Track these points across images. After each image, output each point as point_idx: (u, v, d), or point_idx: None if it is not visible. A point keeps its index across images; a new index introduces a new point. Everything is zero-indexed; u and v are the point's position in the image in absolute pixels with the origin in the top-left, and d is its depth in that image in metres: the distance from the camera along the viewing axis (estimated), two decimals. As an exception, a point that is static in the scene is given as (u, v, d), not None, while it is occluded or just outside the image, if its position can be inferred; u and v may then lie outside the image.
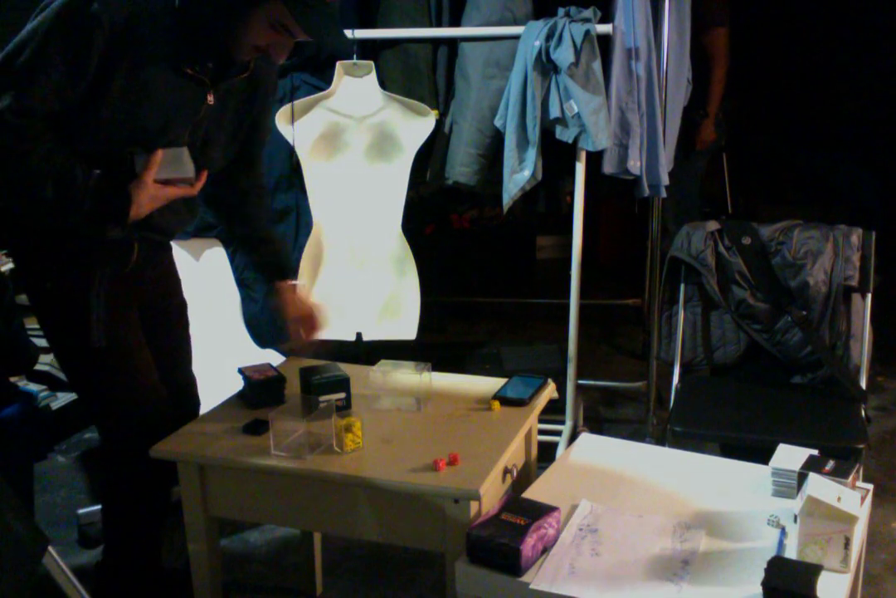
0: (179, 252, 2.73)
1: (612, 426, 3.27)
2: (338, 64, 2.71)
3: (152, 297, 2.04)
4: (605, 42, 2.60)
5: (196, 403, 2.17)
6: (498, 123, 2.68)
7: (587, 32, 2.47)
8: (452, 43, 2.78)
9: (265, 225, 2.16)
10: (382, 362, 2.02)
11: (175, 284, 2.14)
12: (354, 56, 2.72)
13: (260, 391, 1.94)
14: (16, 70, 1.61)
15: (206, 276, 2.80)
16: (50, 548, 1.61)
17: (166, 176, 1.79)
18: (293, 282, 2.16)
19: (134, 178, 1.75)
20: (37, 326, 1.98)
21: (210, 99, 1.81)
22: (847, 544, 1.45)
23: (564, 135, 2.59)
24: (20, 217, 1.82)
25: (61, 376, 2.86)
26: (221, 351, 2.70)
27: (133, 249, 1.91)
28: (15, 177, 1.68)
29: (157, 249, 2.02)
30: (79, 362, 1.93)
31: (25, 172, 1.67)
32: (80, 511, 2.53)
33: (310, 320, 2.13)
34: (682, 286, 2.60)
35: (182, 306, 2.15)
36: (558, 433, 2.80)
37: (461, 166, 2.77)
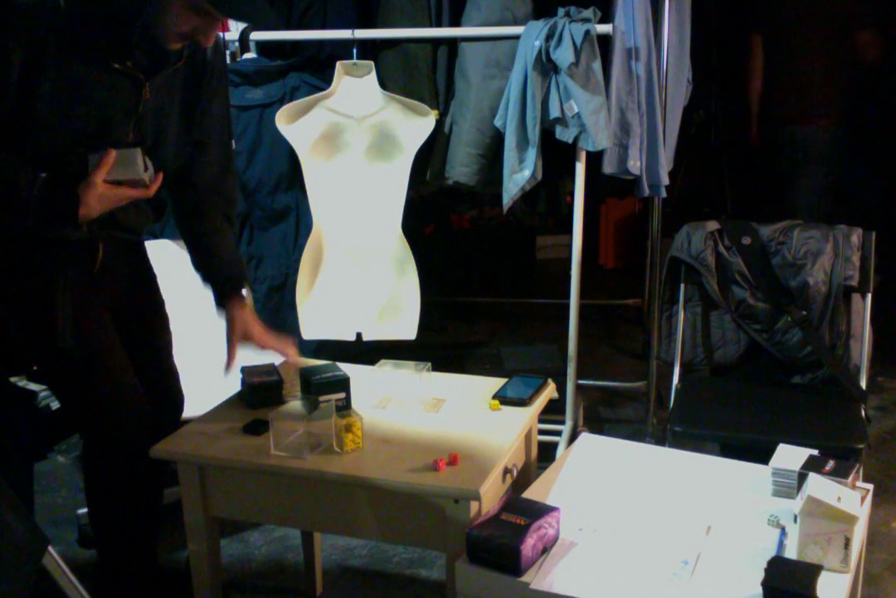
0: (176, 252, 2.73)
1: (612, 426, 3.27)
2: (338, 64, 2.71)
3: (125, 296, 2.01)
4: (605, 42, 2.60)
5: (179, 399, 2.16)
6: (498, 123, 2.68)
7: (587, 32, 2.47)
8: (452, 43, 2.78)
9: (219, 227, 2.09)
10: (382, 362, 2.02)
11: (149, 282, 2.12)
12: (354, 56, 2.72)
13: (256, 394, 1.95)
14: None
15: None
16: (50, 548, 1.61)
17: (117, 177, 1.76)
18: (243, 294, 2.10)
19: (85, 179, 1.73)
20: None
21: (146, 93, 1.77)
22: (847, 544, 1.45)
23: (564, 135, 2.59)
24: None
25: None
26: (221, 351, 2.69)
27: (98, 248, 1.88)
28: None
29: (127, 247, 1.99)
30: (51, 364, 1.91)
31: None
32: (80, 511, 2.53)
33: (255, 339, 2.07)
34: (682, 286, 2.60)
35: (158, 303, 2.13)
36: (558, 433, 2.80)
37: (461, 166, 2.77)
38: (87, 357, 1.89)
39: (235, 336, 2.07)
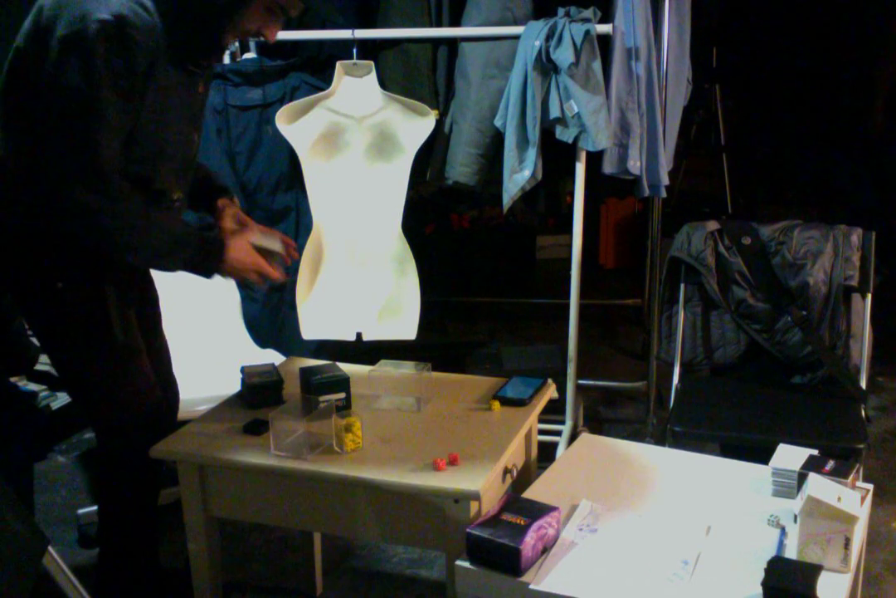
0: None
1: (612, 426, 3.27)
2: (338, 64, 2.71)
3: (139, 298, 2.04)
4: (605, 42, 2.60)
5: (177, 400, 2.19)
6: (498, 123, 2.68)
7: (587, 32, 2.47)
8: (452, 43, 2.78)
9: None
10: (382, 362, 2.02)
11: (151, 283, 2.15)
12: (354, 56, 2.72)
13: (256, 393, 1.95)
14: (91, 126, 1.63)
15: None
16: (50, 548, 1.61)
17: (264, 244, 1.94)
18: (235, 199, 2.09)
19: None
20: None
21: (201, 87, 1.84)
22: (847, 544, 1.45)
23: (564, 135, 2.59)
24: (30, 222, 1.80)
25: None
26: (221, 351, 2.70)
27: None
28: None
29: None
30: (87, 362, 1.92)
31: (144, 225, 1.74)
32: (80, 511, 2.53)
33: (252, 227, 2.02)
34: (682, 286, 2.60)
35: (158, 305, 2.16)
36: (558, 433, 2.80)
37: (461, 166, 2.77)
38: (126, 356, 1.92)
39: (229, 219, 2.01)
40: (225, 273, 1.89)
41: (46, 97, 1.64)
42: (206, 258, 1.84)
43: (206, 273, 1.88)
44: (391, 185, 2.76)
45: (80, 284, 1.86)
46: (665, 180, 2.75)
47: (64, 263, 1.84)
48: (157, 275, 2.14)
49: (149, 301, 2.12)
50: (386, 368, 1.99)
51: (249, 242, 1.91)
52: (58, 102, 1.63)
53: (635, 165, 2.67)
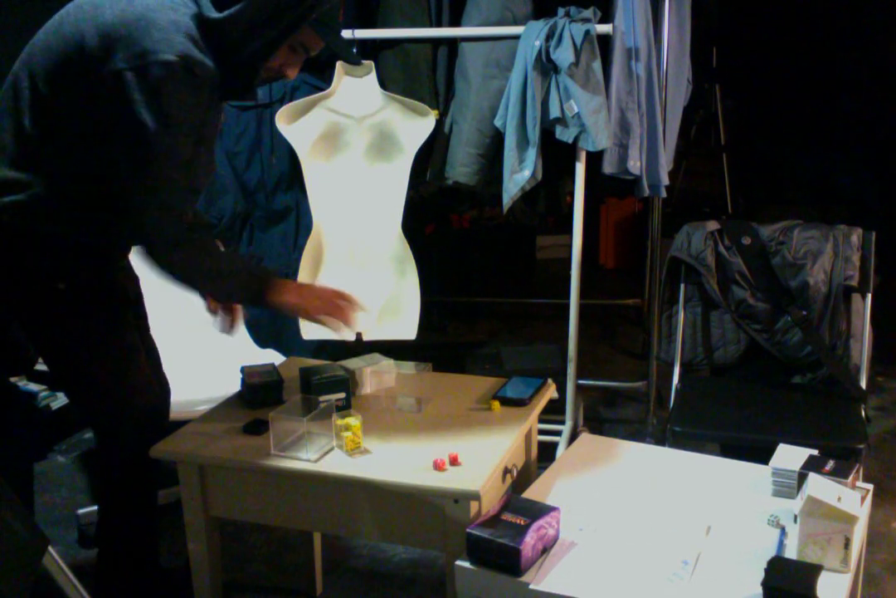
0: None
1: (612, 426, 3.27)
2: (338, 64, 2.71)
3: (133, 297, 2.06)
4: (605, 42, 2.60)
5: (168, 399, 2.18)
6: (498, 122, 2.68)
7: (587, 32, 2.47)
8: (452, 43, 2.77)
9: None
10: (375, 354, 2.02)
11: (138, 283, 2.14)
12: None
13: (256, 393, 1.95)
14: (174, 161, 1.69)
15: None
16: (50, 548, 1.61)
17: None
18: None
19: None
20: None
21: (223, 116, 1.92)
22: (847, 544, 1.45)
23: (564, 135, 2.59)
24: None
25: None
26: (221, 351, 2.70)
27: (130, 250, 1.96)
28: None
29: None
30: (87, 361, 1.92)
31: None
32: (80, 511, 2.53)
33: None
34: (682, 286, 2.60)
35: (143, 304, 2.15)
36: (558, 433, 2.80)
37: (461, 166, 2.77)
38: (125, 354, 1.93)
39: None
40: (286, 307, 1.89)
41: (121, 133, 1.67)
42: (247, 290, 1.87)
43: (254, 304, 1.91)
44: (391, 185, 2.76)
45: (82, 284, 1.86)
46: (665, 180, 2.75)
47: (66, 265, 1.85)
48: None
49: (137, 300, 2.11)
50: (382, 363, 2.00)
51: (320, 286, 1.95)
52: (133, 140, 1.66)
53: (635, 165, 2.67)
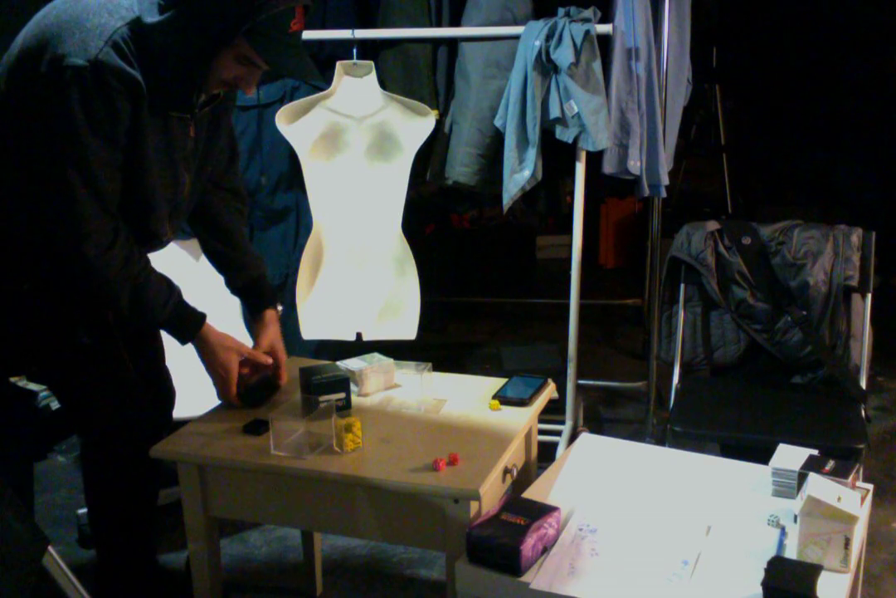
0: (179, 252, 2.73)
1: (612, 426, 3.27)
2: (338, 64, 2.71)
3: None
4: (605, 42, 2.60)
5: (172, 395, 2.18)
6: (498, 122, 2.68)
7: (587, 32, 2.47)
8: (452, 43, 2.78)
9: (243, 244, 2.12)
10: (375, 354, 2.02)
11: None
12: (354, 56, 2.72)
13: (256, 393, 1.95)
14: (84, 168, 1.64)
15: (205, 276, 2.80)
16: (50, 548, 1.61)
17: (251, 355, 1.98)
18: (275, 311, 2.12)
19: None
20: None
21: (192, 132, 1.83)
22: (847, 544, 1.45)
23: (564, 135, 2.59)
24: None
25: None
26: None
27: None
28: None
29: None
30: (63, 362, 1.90)
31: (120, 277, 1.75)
32: (80, 511, 2.53)
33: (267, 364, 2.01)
34: (682, 286, 2.60)
35: None
36: (558, 433, 2.80)
37: (461, 166, 2.77)
38: (103, 355, 1.90)
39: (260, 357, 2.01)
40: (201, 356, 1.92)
41: (30, 139, 1.64)
42: (177, 327, 1.88)
43: (180, 340, 1.91)
44: (391, 185, 2.76)
45: (45, 285, 1.83)
46: (665, 180, 2.75)
47: (27, 265, 1.81)
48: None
49: None
50: (382, 363, 2.00)
51: (240, 351, 1.93)
52: (44, 145, 1.63)
53: (635, 165, 2.67)
